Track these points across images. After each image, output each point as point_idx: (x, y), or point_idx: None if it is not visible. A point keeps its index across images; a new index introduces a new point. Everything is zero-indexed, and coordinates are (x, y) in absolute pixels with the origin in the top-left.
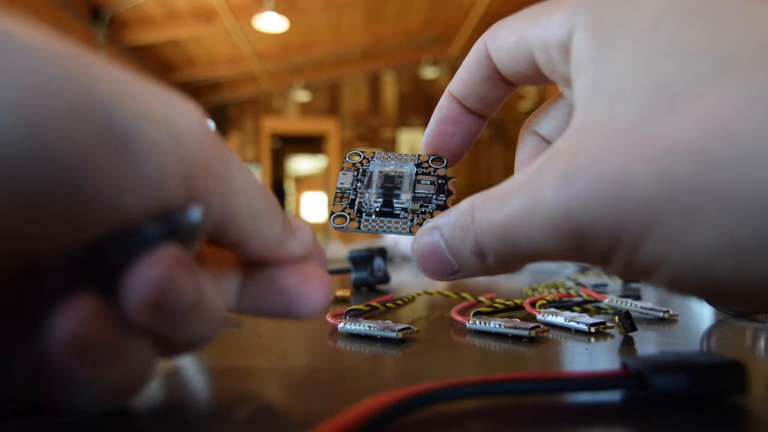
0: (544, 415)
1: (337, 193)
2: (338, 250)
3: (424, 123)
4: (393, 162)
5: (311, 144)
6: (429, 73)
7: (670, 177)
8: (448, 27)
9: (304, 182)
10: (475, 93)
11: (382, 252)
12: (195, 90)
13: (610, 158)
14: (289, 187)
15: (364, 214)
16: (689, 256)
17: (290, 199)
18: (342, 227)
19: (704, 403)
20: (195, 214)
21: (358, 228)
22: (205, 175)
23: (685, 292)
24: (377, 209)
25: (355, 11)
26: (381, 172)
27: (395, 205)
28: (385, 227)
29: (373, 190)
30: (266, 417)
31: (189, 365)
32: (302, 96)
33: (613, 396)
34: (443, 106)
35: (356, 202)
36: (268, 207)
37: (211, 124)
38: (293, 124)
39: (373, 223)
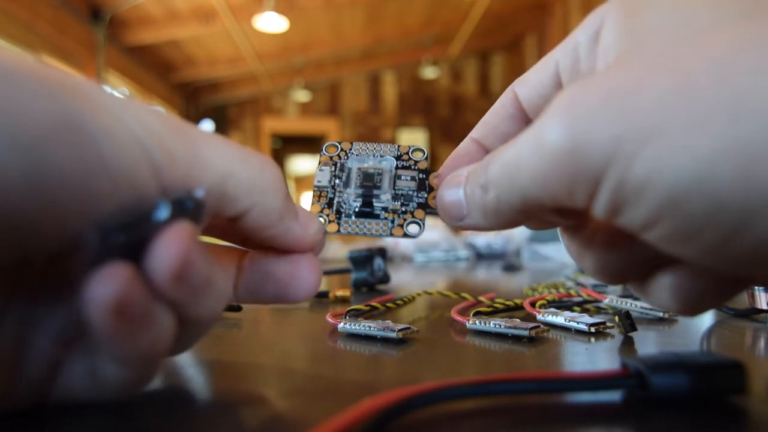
0: (544, 415)
1: (314, 191)
2: (338, 250)
3: (424, 123)
4: (372, 156)
5: (311, 144)
6: (429, 73)
7: (684, 83)
8: (448, 27)
9: (305, 182)
10: (497, 131)
11: (382, 252)
12: (195, 90)
13: (625, 73)
14: (290, 187)
15: (343, 215)
16: (690, 165)
17: None
18: None
19: (704, 403)
20: (199, 193)
21: (338, 231)
22: (169, 156)
23: (671, 232)
24: (356, 209)
25: (355, 11)
26: (360, 169)
27: (375, 204)
28: (365, 229)
29: (352, 189)
30: (266, 417)
31: (189, 365)
32: (302, 96)
33: (613, 396)
34: (462, 147)
35: (335, 202)
36: (260, 178)
37: (211, 125)
38: (293, 124)
39: (352, 226)
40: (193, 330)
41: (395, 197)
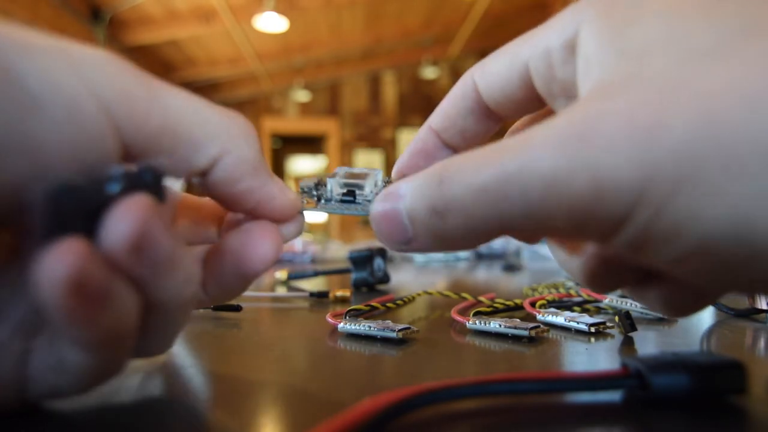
0: (544, 415)
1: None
2: (338, 251)
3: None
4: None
5: (311, 144)
6: (429, 73)
7: (712, 120)
8: (448, 27)
9: None
10: (456, 126)
11: (382, 252)
12: (195, 90)
13: (642, 102)
14: (290, 187)
15: (323, 200)
16: (725, 212)
17: None
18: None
19: (704, 403)
20: (157, 163)
21: (315, 208)
22: (124, 94)
23: (700, 269)
24: (339, 198)
25: (355, 11)
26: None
27: (357, 195)
28: (344, 208)
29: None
30: (266, 417)
31: (189, 365)
32: (302, 96)
33: (613, 396)
34: (419, 138)
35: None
36: (230, 123)
37: None
38: (293, 124)
39: (332, 206)
40: (162, 318)
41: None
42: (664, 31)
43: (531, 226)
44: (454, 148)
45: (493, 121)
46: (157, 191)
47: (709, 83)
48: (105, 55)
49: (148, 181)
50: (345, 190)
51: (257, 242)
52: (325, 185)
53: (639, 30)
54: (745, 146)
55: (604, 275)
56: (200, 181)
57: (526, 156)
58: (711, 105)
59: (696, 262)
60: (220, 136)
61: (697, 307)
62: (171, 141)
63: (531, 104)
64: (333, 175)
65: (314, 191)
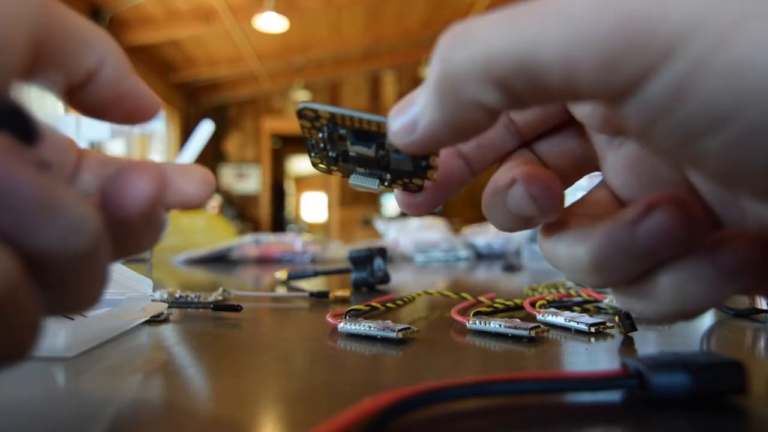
0: (544, 415)
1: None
2: (338, 251)
3: None
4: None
5: None
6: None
7: None
8: (448, 27)
9: (304, 182)
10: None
11: (382, 252)
12: (195, 90)
13: None
14: (289, 187)
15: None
16: None
17: (290, 199)
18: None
19: (704, 403)
20: (16, 100)
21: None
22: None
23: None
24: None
25: (355, 11)
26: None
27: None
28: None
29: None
30: (266, 417)
31: (189, 365)
32: (302, 96)
33: (613, 396)
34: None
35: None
36: (101, 30)
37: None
38: (293, 124)
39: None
40: (59, 273)
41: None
42: None
43: (552, 68)
44: (465, 158)
45: (511, 134)
46: (22, 130)
47: None
48: None
49: (9, 120)
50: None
51: (131, 180)
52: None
53: None
54: None
55: (613, 259)
56: (77, 92)
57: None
58: None
59: (736, 135)
60: (104, 38)
61: (709, 301)
62: (64, 41)
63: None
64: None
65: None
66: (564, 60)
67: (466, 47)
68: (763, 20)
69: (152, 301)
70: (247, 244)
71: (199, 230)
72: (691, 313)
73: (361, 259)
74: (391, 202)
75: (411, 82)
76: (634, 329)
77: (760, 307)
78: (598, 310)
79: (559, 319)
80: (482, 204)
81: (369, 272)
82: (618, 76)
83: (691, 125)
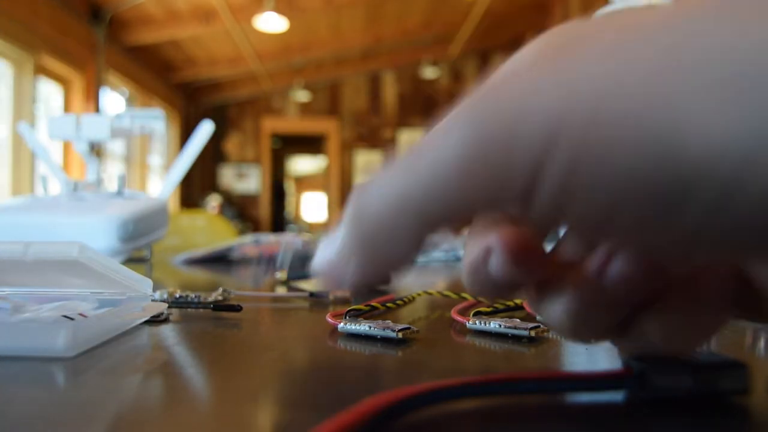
0: (544, 415)
1: None
2: None
3: (424, 123)
4: None
5: (311, 144)
6: (429, 73)
7: (628, 36)
8: (448, 27)
9: (304, 182)
10: None
11: None
12: (195, 90)
13: (555, 48)
14: (289, 187)
15: None
16: (660, 116)
17: (290, 199)
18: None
19: (707, 404)
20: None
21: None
22: None
23: (642, 211)
24: None
25: (355, 11)
26: None
27: None
28: None
29: None
30: (266, 417)
31: (189, 365)
32: (302, 96)
33: (614, 396)
34: None
35: None
36: None
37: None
38: (293, 124)
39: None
40: None
41: None
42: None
43: (456, 203)
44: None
45: None
46: None
47: (620, 27)
48: None
49: None
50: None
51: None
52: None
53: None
54: (679, 49)
55: (589, 315)
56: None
57: (445, 120)
58: (622, 31)
59: (634, 207)
60: None
61: (701, 332)
62: None
63: None
64: None
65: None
66: (445, 207)
67: (372, 200)
68: (615, 111)
69: (152, 301)
70: (247, 244)
71: (199, 230)
72: (687, 351)
73: None
74: None
75: (411, 82)
76: None
77: None
78: None
79: None
80: (465, 283)
81: None
82: (508, 195)
83: (588, 219)
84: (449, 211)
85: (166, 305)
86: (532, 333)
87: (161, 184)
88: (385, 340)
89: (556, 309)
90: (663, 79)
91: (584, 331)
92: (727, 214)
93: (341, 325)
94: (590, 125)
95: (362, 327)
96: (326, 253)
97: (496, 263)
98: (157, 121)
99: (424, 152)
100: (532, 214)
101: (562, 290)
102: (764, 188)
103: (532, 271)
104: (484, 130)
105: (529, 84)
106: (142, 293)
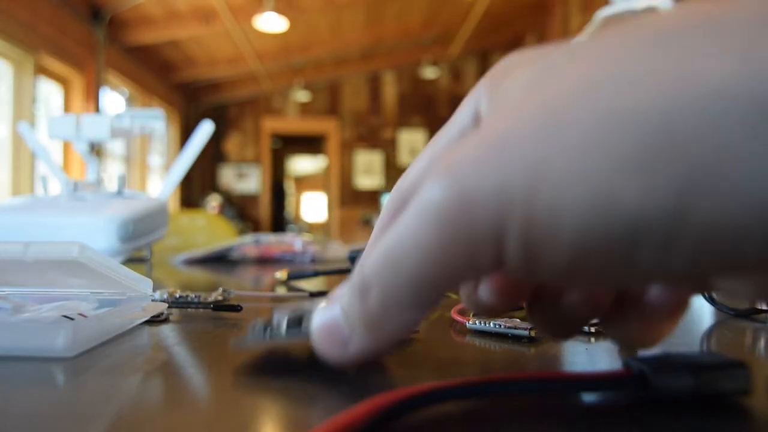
0: (544, 415)
1: None
2: (338, 251)
3: (424, 123)
4: None
5: (311, 144)
6: (429, 73)
7: (556, 111)
8: (448, 27)
9: (304, 182)
10: None
11: None
12: (195, 90)
13: (495, 120)
14: (289, 187)
15: (269, 335)
16: (586, 196)
17: (290, 199)
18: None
19: (707, 405)
20: None
21: (263, 339)
22: None
23: (599, 263)
24: (284, 330)
25: (355, 11)
26: None
27: (302, 322)
28: (290, 336)
29: None
30: (266, 417)
31: (189, 365)
32: (302, 96)
33: (615, 397)
34: None
35: None
36: None
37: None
38: (293, 124)
39: (279, 338)
40: None
41: None
42: (526, 74)
43: (438, 277)
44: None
45: None
46: None
47: (550, 85)
48: None
49: None
50: (291, 317)
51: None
52: (272, 321)
53: (508, 81)
54: (584, 124)
55: (555, 324)
56: None
57: (412, 204)
58: (550, 101)
59: (592, 261)
60: None
61: (651, 337)
62: None
63: None
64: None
65: (263, 331)
66: (435, 288)
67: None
68: (550, 180)
69: (152, 301)
70: (247, 244)
71: (199, 230)
72: (655, 342)
73: None
74: None
75: (411, 82)
76: None
77: (760, 307)
78: None
79: None
80: (462, 301)
81: None
82: (482, 263)
83: (557, 273)
84: (440, 289)
85: (166, 305)
86: (532, 333)
87: (161, 184)
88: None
89: (534, 318)
90: (588, 154)
91: (558, 335)
92: (676, 252)
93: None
94: (532, 196)
95: None
96: (325, 317)
97: (484, 293)
98: (157, 121)
99: (403, 247)
100: (510, 273)
101: (531, 308)
102: (702, 230)
103: (513, 299)
104: (447, 219)
105: (473, 166)
106: (142, 293)
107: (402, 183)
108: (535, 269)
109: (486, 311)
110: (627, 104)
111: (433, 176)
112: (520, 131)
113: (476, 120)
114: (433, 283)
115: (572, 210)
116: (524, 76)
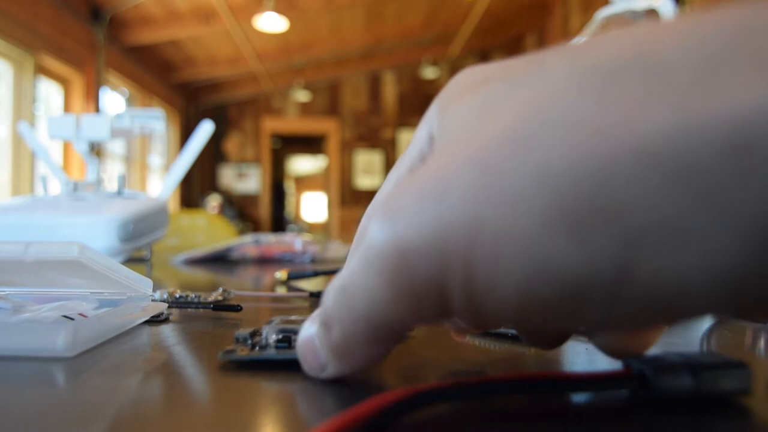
0: (544, 415)
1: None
2: (338, 251)
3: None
4: None
5: (311, 144)
6: (429, 73)
7: (485, 167)
8: (448, 27)
9: (304, 182)
10: None
11: None
12: (195, 90)
13: (431, 166)
14: (289, 187)
15: (258, 347)
16: (520, 251)
17: (290, 199)
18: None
19: (708, 405)
20: None
21: (249, 355)
22: None
23: (544, 310)
24: (274, 345)
25: (355, 11)
26: None
27: (292, 339)
28: (279, 353)
29: None
30: (266, 417)
31: (189, 365)
32: (302, 96)
33: (615, 397)
34: None
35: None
36: None
37: (211, 125)
38: (293, 124)
39: (268, 353)
40: None
41: None
42: (470, 103)
43: (390, 319)
44: None
45: None
46: None
47: (483, 134)
48: None
49: None
50: (280, 336)
51: None
52: (261, 334)
53: (453, 110)
54: (512, 180)
55: (543, 333)
56: None
57: (362, 245)
58: (483, 153)
59: (540, 314)
60: None
61: (636, 345)
62: None
63: None
64: (269, 323)
65: (249, 340)
66: (392, 331)
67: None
68: (487, 232)
69: (152, 301)
70: (247, 244)
71: (199, 230)
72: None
73: None
74: None
75: (411, 82)
76: None
77: None
78: None
79: None
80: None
81: None
82: (431, 311)
83: (506, 318)
84: (397, 331)
85: (166, 305)
86: None
87: (161, 184)
88: None
89: (520, 334)
90: (520, 212)
91: (546, 347)
92: (624, 307)
93: None
94: (470, 252)
95: None
96: (305, 337)
97: (462, 321)
98: (157, 121)
99: (354, 287)
100: (461, 319)
101: (516, 325)
102: (649, 287)
103: (490, 325)
104: (388, 267)
105: (412, 215)
106: (142, 293)
107: (370, 206)
108: (484, 320)
109: (463, 329)
110: (555, 159)
111: (378, 218)
112: (456, 183)
113: (431, 142)
114: (386, 326)
115: (510, 268)
116: (464, 109)
